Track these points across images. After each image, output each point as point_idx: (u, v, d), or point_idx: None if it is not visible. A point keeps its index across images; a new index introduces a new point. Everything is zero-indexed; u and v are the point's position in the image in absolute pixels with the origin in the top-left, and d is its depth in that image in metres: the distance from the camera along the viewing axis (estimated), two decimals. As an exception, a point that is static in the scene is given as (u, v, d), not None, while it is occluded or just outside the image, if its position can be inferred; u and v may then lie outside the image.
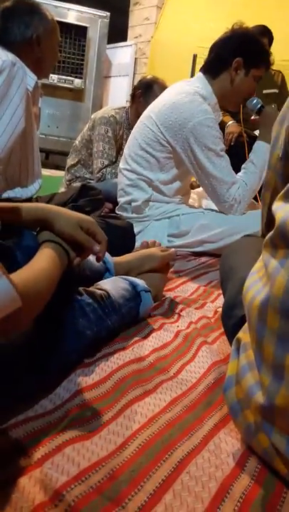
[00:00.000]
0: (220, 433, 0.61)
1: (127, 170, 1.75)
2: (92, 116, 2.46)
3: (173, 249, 1.21)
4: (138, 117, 2.34)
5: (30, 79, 1.35)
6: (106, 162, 2.29)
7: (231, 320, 0.75)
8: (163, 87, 2.36)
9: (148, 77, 2.50)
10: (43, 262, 0.60)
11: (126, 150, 1.81)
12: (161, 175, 1.69)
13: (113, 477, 0.50)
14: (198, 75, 1.72)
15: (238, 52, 1.61)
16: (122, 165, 1.81)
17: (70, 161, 2.52)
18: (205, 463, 0.54)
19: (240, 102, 1.75)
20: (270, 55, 1.69)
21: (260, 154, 1.68)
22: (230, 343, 0.75)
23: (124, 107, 2.46)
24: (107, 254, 0.98)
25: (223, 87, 1.66)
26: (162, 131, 1.64)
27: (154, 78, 2.45)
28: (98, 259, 0.73)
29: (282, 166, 0.64)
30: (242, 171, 1.69)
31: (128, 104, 2.49)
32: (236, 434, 0.61)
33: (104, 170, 2.28)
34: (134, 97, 2.40)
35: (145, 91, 2.34)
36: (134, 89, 2.42)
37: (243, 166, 1.71)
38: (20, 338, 0.60)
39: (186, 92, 1.64)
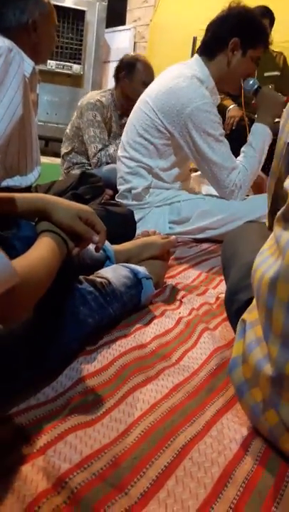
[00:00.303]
0: (222, 418, 0.61)
1: (126, 157, 1.73)
2: (79, 104, 2.45)
3: (173, 236, 1.20)
4: (124, 97, 2.32)
5: (28, 65, 1.32)
6: (99, 146, 2.29)
7: (235, 305, 0.75)
8: (146, 65, 2.35)
9: (129, 55, 2.47)
10: (42, 250, 0.60)
11: (124, 137, 1.79)
12: (160, 162, 1.68)
13: (116, 464, 0.50)
14: (195, 56, 1.68)
15: (234, 32, 1.56)
16: (120, 152, 1.79)
17: (63, 149, 2.52)
18: (207, 448, 0.54)
19: (239, 83, 1.70)
20: (269, 35, 1.64)
21: (259, 136, 1.66)
22: (234, 328, 0.75)
23: (110, 90, 2.45)
24: (107, 243, 0.98)
25: (220, 68, 1.62)
26: (160, 117, 1.62)
27: (136, 56, 2.43)
28: (97, 250, 0.73)
29: (288, 152, 0.63)
30: (241, 155, 1.66)
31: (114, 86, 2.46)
32: (239, 419, 0.61)
33: (99, 154, 2.28)
34: (118, 78, 2.38)
35: (129, 71, 2.33)
36: (117, 70, 2.39)
37: (242, 149, 1.69)
38: (20, 328, 0.59)
39: (184, 75, 1.60)
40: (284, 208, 0.51)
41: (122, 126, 2.30)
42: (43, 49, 1.42)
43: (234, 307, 0.73)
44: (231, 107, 2.82)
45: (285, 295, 0.48)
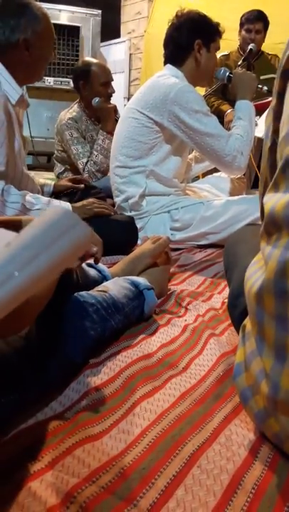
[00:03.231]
0: (230, 425, 0.61)
1: (119, 167, 1.75)
2: (55, 130, 2.54)
3: (164, 236, 1.17)
4: (91, 104, 2.37)
5: (14, 92, 1.29)
6: (85, 160, 2.36)
7: (237, 309, 0.75)
8: (100, 65, 2.42)
9: (80, 64, 2.52)
10: None
11: (113, 149, 1.82)
12: (153, 157, 1.70)
13: (124, 476, 0.50)
14: (166, 66, 1.76)
15: (194, 35, 1.68)
16: (111, 164, 1.81)
17: (57, 170, 2.61)
18: (216, 456, 0.54)
19: (211, 76, 1.82)
20: (218, 24, 1.75)
21: (244, 110, 1.70)
22: (238, 332, 0.75)
23: (77, 102, 2.51)
24: (103, 266, 0.98)
25: (193, 69, 1.73)
26: (146, 114, 1.67)
27: (86, 61, 2.47)
28: (96, 261, 0.73)
29: (271, 155, 0.64)
30: (233, 128, 1.69)
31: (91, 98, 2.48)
32: (247, 424, 0.61)
33: (87, 167, 2.34)
34: (78, 89, 2.43)
35: (86, 77, 2.37)
36: (75, 81, 2.44)
37: (232, 124, 1.72)
38: (23, 343, 0.60)
39: (160, 76, 1.71)
40: (264, 222, 0.52)
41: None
42: (36, 68, 1.37)
43: (237, 311, 0.73)
44: (229, 111, 2.84)
45: (271, 306, 0.48)
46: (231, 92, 1.83)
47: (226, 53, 3.05)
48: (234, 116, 1.73)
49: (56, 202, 1.35)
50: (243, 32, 2.96)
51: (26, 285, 0.34)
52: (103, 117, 2.36)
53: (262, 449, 0.55)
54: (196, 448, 0.55)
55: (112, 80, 2.46)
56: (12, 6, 1.29)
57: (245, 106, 1.71)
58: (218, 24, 1.74)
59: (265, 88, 1.90)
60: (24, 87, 1.40)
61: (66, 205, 1.38)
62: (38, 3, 1.35)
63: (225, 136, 1.62)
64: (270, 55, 3.09)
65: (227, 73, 1.77)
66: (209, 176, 2.29)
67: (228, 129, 2.69)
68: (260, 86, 1.82)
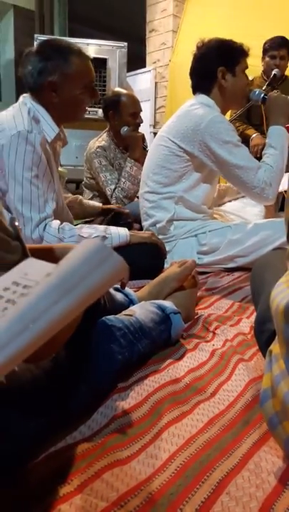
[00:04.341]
0: (260, 451, 0.60)
1: (148, 192, 1.78)
2: (84, 158, 2.62)
3: (191, 259, 1.18)
4: (120, 133, 2.42)
5: (51, 130, 1.35)
6: (113, 186, 2.40)
7: (264, 334, 0.74)
8: (129, 96, 2.46)
9: (110, 94, 2.58)
10: None
11: (143, 175, 1.85)
12: (183, 184, 1.72)
13: (152, 501, 0.50)
14: (197, 95, 1.78)
15: (217, 63, 1.68)
16: (141, 189, 1.85)
17: (86, 196, 2.68)
18: (245, 483, 0.54)
19: (244, 97, 1.80)
20: (242, 45, 1.72)
21: (277, 137, 1.68)
22: (265, 357, 0.74)
23: (106, 131, 2.56)
24: (129, 290, 1.00)
25: (220, 97, 1.73)
26: (177, 143, 1.69)
27: (117, 92, 2.51)
28: (123, 286, 0.75)
29: None
30: (263, 156, 1.68)
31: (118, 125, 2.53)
32: (276, 451, 0.60)
33: (115, 193, 2.39)
34: (108, 118, 2.48)
35: (115, 108, 2.42)
36: (105, 111, 2.49)
37: (263, 152, 1.71)
38: (52, 366, 0.61)
39: (192, 105, 1.73)
40: None
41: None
42: (69, 108, 1.38)
43: (264, 337, 0.73)
44: (254, 135, 2.86)
45: None
46: (265, 115, 1.80)
47: (250, 79, 3.09)
48: (266, 143, 1.71)
49: (113, 229, 1.39)
50: (267, 58, 2.99)
51: (66, 313, 0.36)
52: (131, 145, 2.41)
53: (292, 477, 0.54)
54: (225, 474, 0.55)
55: (141, 111, 2.51)
56: (46, 50, 1.34)
57: (277, 132, 1.69)
58: (241, 45, 1.72)
59: None
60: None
61: (124, 230, 1.41)
62: (78, 44, 1.38)
63: (254, 168, 1.62)
64: None
65: (262, 95, 1.76)
66: (236, 199, 2.30)
67: (255, 153, 2.74)
68: None
